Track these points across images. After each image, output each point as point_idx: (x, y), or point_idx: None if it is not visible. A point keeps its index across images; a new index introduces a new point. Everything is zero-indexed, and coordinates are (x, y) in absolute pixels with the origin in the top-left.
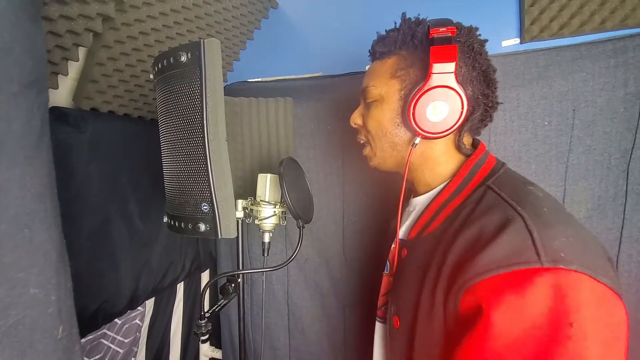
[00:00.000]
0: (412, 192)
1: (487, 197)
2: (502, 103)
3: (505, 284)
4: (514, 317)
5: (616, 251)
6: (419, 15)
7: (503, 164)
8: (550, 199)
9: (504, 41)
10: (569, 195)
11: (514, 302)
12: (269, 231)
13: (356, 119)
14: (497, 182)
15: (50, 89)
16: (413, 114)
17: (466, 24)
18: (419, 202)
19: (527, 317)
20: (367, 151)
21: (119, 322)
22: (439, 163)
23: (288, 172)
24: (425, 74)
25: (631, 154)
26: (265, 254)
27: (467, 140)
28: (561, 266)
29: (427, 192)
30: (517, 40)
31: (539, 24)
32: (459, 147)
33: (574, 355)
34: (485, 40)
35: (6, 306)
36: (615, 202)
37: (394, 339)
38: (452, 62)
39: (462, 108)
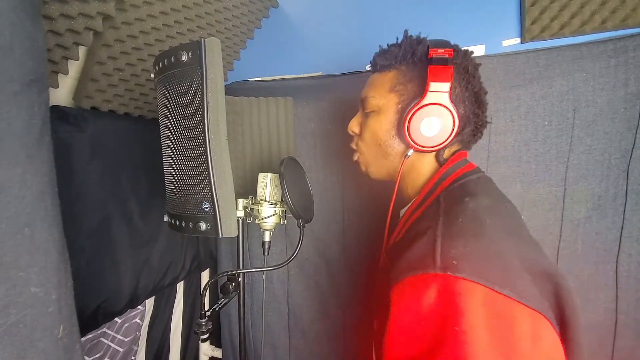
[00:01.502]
0: (404, 201)
1: (432, 209)
2: (490, 122)
3: (406, 287)
4: (412, 317)
5: (616, 251)
6: (420, 34)
7: (472, 174)
8: (479, 210)
9: (504, 41)
10: (569, 195)
11: (411, 302)
12: (270, 230)
13: (354, 127)
14: (447, 194)
15: (50, 88)
16: (408, 127)
17: (467, 23)
18: (403, 212)
19: (421, 317)
20: (359, 158)
21: (119, 321)
22: (419, 174)
23: (289, 171)
24: (422, 90)
25: (631, 154)
26: (266, 253)
27: (450, 151)
28: (449, 273)
29: (409, 202)
30: (518, 40)
31: (540, 23)
32: (437, 158)
33: (457, 357)
34: (479, 64)
35: (7, 305)
36: (615, 202)
37: (375, 340)
38: (447, 82)
39: (454, 126)
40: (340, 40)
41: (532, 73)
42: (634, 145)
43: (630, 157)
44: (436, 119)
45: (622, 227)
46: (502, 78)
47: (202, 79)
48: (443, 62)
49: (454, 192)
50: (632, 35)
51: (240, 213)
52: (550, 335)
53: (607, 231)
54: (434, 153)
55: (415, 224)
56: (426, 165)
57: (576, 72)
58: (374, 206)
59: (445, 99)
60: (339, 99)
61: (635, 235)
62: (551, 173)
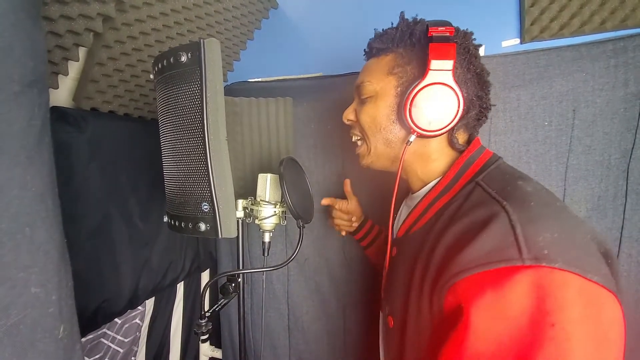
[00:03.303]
0: (410, 189)
1: (475, 194)
2: (495, 105)
3: (485, 283)
4: (494, 316)
5: (616, 251)
6: (417, 15)
7: (498, 159)
8: (541, 194)
9: (504, 41)
10: (569, 195)
11: (494, 301)
12: (269, 231)
13: (349, 115)
14: (487, 178)
15: (50, 89)
16: (410, 110)
17: (467, 24)
18: (415, 199)
19: (507, 316)
20: (361, 149)
21: (119, 321)
22: (431, 160)
23: (288, 171)
24: (423, 71)
25: (631, 154)
26: (266, 254)
27: (461, 136)
28: (544, 264)
29: (421, 188)
30: (518, 41)
31: (539, 24)
32: (452, 144)
33: (557, 357)
34: (480, 45)
35: (7, 306)
36: (615, 202)
37: (389, 338)
38: (451, 59)
39: (459, 107)
40: (340, 41)
41: (532, 73)
42: (633, 145)
43: (630, 157)
44: (440, 100)
45: (622, 227)
46: (502, 78)
47: (201, 80)
48: (444, 39)
49: (495, 177)
50: (631, 36)
51: (240, 213)
52: (622, 317)
53: (607, 231)
54: (445, 140)
55: (453, 211)
56: (435, 151)
57: (576, 72)
58: (374, 206)
59: (448, 78)
60: (339, 99)
61: (635, 235)
62: (551, 173)
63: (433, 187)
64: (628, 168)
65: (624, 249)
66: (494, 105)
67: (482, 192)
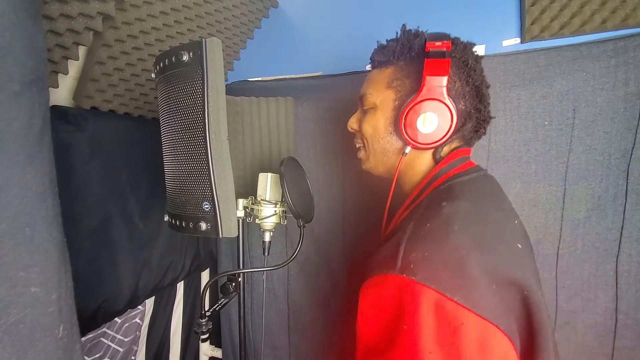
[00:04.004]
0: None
1: (417, 210)
2: (494, 118)
3: (372, 285)
4: (375, 309)
5: (616, 251)
6: (418, 27)
7: (462, 174)
8: (452, 216)
9: (504, 41)
10: (569, 195)
11: (375, 298)
12: (270, 230)
13: (353, 124)
14: (432, 195)
15: (50, 88)
16: (405, 124)
17: (467, 23)
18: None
19: (381, 310)
20: (361, 154)
21: (119, 321)
22: (416, 172)
23: (289, 171)
24: (419, 85)
25: (631, 154)
26: (266, 253)
27: (450, 148)
28: (404, 275)
29: (405, 199)
30: (518, 40)
31: (540, 23)
32: (434, 156)
33: (404, 356)
34: (481, 57)
35: (7, 305)
36: (615, 202)
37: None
38: (444, 76)
39: (452, 121)
40: (340, 40)
41: (532, 73)
42: (634, 145)
43: (630, 157)
44: (433, 115)
45: (622, 227)
46: (502, 78)
47: (202, 79)
48: (440, 55)
49: (438, 195)
50: (632, 35)
51: (241, 213)
52: (501, 346)
53: (607, 231)
54: (432, 150)
55: (401, 224)
56: (423, 163)
57: (576, 72)
58: (374, 206)
59: (441, 94)
60: (339, 99)
61: (635, 235)
62: (551, 173)
63: (406, 200)
64: (628, 168)
65: (623, 249)
66: (494, 118)
67: (418, 210)
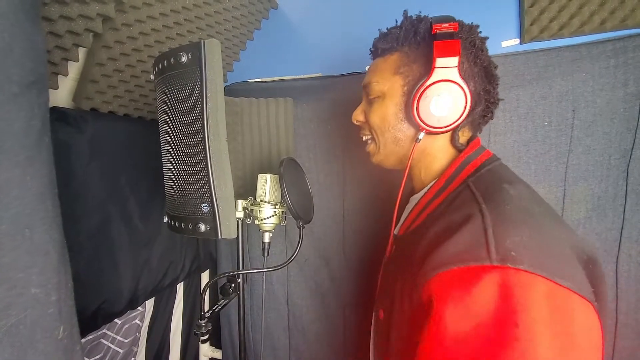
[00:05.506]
0: (412, 191)
1: (463, 195)
2: (503, 99)
3: (454, 280)
4: (462, 313)
5: (616, 251)
6: (420, 12)
7: (495, 160)
8: (523, 198)
9: (503, 42)
10: (568, 196)
11: (462, 299)
12: (269, 231)
13: (358, 116)
14: (477, 180)
15: (50, 90)
16: (417, 108)
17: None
18: (415, 199)
19: (474, 314)
20: (371, 147)
21: (119, 322)
22: (434, 159)
23: (288, 172)
24: (429, 69)
25: (631, 154)
26: (266, 254)
27: (464, 136)
28: (508, 265)
29: (421, 189)
30: (517, 41)
31: (539, 24)
32: (454, 142)
33: (520, 357)
34: (486, 38)
35: (7, 306)
36: (615, 202)
37: (378, 329)
38: (456, 56)
39: (466, 102)
40: (340, 41)
41: (532, 74)
42: (633, 146)
43: (630, 157)
44: (446, 97)
45: (622, 228)
46: (502, 79)
47: (201, 80)
48: (448, 36)
49: (485, 179)
50: (631, 36)
51: (240, 214)
52: (597, 325)
53: (607, 231)
54: (448, 138)
55: (441, 212)
56: (441, 150)
57: (575, 72)
58: (374, 206)
59: (454, 74)
60: (339, 100)
61: (635, 236)
62: (551, 173)
63: (429, 188)
64: (628, 168)
65: (623, 249)
66: (502, 99)
67: (469, 193)
